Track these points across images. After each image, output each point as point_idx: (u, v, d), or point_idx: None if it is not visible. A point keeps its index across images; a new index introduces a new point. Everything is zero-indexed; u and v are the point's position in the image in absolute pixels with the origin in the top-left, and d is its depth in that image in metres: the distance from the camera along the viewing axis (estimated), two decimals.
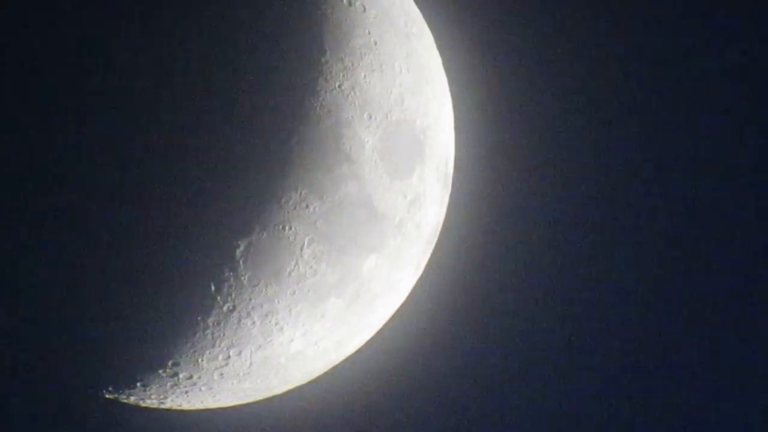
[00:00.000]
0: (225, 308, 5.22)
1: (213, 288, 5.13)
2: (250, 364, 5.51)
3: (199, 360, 5.39)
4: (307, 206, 5.17)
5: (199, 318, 5.21)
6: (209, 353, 5.37)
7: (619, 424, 8.44)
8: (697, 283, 8.36)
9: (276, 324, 5.38)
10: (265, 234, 5.11)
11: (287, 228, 5.16)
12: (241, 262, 5.11)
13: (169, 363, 5.38)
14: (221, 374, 5.52)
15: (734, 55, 8.22)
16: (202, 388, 5.62)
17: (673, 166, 8.17)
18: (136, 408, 6.03)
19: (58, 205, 4.97)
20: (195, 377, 5.51)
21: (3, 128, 4.95)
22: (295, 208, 5.15)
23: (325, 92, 5.23)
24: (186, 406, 5.93)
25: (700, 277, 8.37)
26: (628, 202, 8.21)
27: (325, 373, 6.30)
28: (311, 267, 5.28)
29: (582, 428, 8.43)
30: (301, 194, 5.14)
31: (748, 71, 8.27)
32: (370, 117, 5.37)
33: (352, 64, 5.38)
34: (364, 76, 5.41)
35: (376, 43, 5.53)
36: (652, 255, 8.25)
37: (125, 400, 5.84)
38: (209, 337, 5.28)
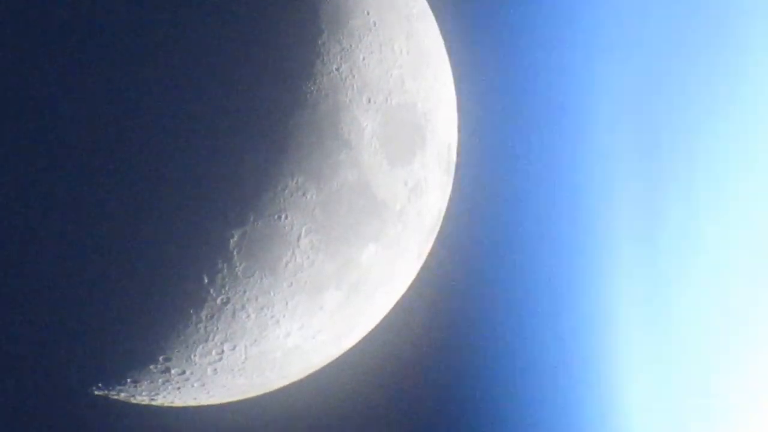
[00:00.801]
0: (218, 301, 5.11)
1: (206, 280, 5.03)
2: (245, 358, 5.42)
3: (192, 355, 5.30)
4: (304, 194, 5.06)
5: (191, 311, 5.11)
6: (202, 348, 5.28)
7: (622, 423, 8.41)
8: (706, 286, 8.31)
9: (272, 317, 5.28)
10: (259, 223, 5.01)
11: (283, 217, 5.05)
12: (235, 252, 5.00)
13: (161, 358, 5.29)
14: (215, 369, 5.44)
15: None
16: (195, 384, 5.53)
17: (681, 161, 8.11)
18: (127, 405, 5.96)
19: (44, 198, 4.85)
20: (187, 373, 5.42)
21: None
22: (291, 196, 5.04)
23: (323, 75, 5.12)
24: (178, 403, 5.86)
25: (709, 279, 8.33)
26: (634, 192, 8.15)
27: (324, 368, 6.20)
28: (308, 257, 5.18)
29: (585, 424, 8.39)
30: (297, 182, 5.03)
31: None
32: (369, 101, 5.26)
33: (351, 46, 5.27)
34: (363, 58, 5.31)
35: (375, 24, 5.43)
36: (655, 243, 8.19)
37: (115, 397, 5.77)
38: (202, 331, 5.19)
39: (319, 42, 5.15)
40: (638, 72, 8.10)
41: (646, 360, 8.38)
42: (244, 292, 5.14)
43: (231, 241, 4.97)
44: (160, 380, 5.45)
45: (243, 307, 5.18)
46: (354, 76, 5.24)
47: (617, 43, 8.11)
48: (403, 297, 6.31)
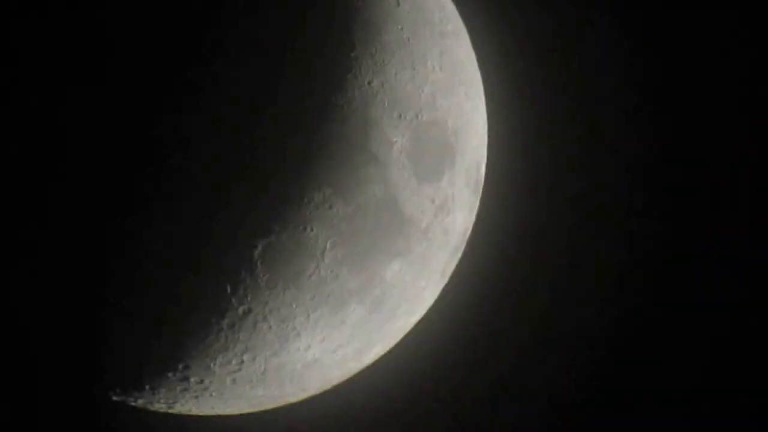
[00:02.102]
0: (240, 311, 5.09)
1: (228, 289, 5.01)
2: (265, 370, 5.40)
3: (211, 364, 5.28)
4: (330, 207, 5.04)
5: (212, 320, 5.09)
6: (222, 357, 5.26)
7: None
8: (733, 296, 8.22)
9: (293, 329, 5.26)
10: (284, 235, 4.99)
11: (308, 229, 5.03)
12: (258, 263, 4.98)
13: (180, 366, 5.27)
14: (234, 379, 5.42)
15: None
16: (213, 393, 5.51)
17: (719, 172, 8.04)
18: (144, 412, 5.95)
19: (66, 201, 4.85)
20: (206, 381, 5.40)
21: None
22: (317, 208, 5.02)
23: (354, 89, 5.10)
24: (195, 412, 5.84)
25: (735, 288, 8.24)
26: (673, 210, 8.07)
27: (343, 383, 6.17)
28: (332, 271, 5.15)
29: None
30: (324, 195, 5.01)
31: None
32: (400, 116, 5.24)
33: (383, 61, 5.26)
34: (395, 73, 5.29)
35: (408, 40, 5.41)
36: (698, 258, 8.11)
37: (133, 403, 5.75)
38: (223, 340, 5.18)
39: (352, 56, 5.14)
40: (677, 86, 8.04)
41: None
42: (266, 303, 5.12)
43: (255, 251, 4.96)
44: (178, 388, 5.43)
45: (265, 318, 5.16)
46: (385, 91, 5.22)
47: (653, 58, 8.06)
48: (426, 315, 6.27)
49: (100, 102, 4.79)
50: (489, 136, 6.31)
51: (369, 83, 5.16)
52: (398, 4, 5.45)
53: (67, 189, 4.84)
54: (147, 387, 5.45)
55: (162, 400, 5.61)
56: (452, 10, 6.07)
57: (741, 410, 8.10)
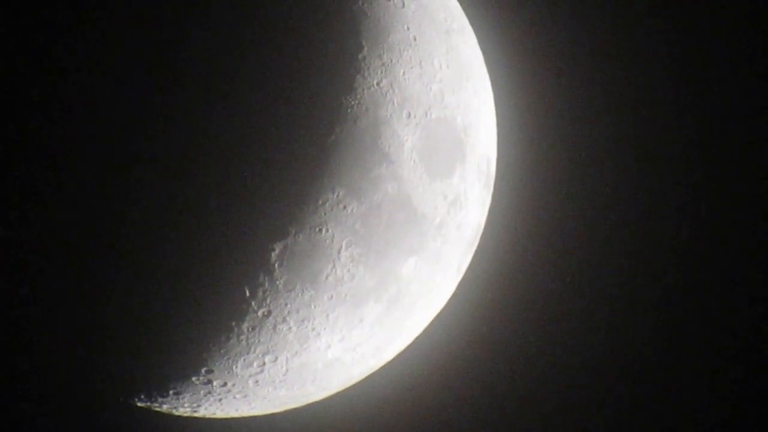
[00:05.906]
0: (260, 313, 5.13)
1: (247, 293, 5.05)
2: (286, 370, 5.44)
3: (234, 367, 5.32)
4: (345, 207, 5.07)
5: (233, 323, 5.13)
6: (244, 360, 5.30)
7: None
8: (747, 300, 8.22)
9: (313, 329, 5.29)
10: (301, 237, 5.02)
11: (324, 230, 5.06)
12: (276, 265, 5.02)
13: (203, 370, 5.32)
14: (256, 381, 5.46)
15: None
16: (237, 395, 5.55)
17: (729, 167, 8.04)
18: (169, 416, 5.98)
19: (87, 207, 4.89)
20: (229, 384, 5.44)
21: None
22: (331, 209, 5.05)
23: (363, 90, 5.13)
24: (220, 415, 5.88)
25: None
26: (683, 207, 8.08)
27: (364, 380, 6.20)
28: (349, 270, 5.19)
29: None
30: (338, 195, 5.04)
31: None
32: (409, 115, 5.28)
33: (391, 61, 5.29)
34: (403, 72, 5.32)
35: (415, 39, 5.44)
36: (707, 255, 8.11)
37: (158, 409, 5.80)
38: (244, 343, 5.21)
39: (360, 57, 5.17)
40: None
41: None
42: (286, 304, 5.15)
43: (272, 254, 4.99)
44: (202, 392, 5.48)
45: (284, 319, 5.19)
46: (394, 91, 5.25)
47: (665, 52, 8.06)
48: (443, 310, 6.29)
49: (112, 104, 4.83)
50: (498, 131, 6.34)
51: (378, 84, 5.19)
52: (404, 5, 5.48)
53: (91, 197, 4.88)
54: (171, 392, 5.49)
55: (186, 405, 5.65)
56: (457, 8, 6.10)
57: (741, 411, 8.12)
